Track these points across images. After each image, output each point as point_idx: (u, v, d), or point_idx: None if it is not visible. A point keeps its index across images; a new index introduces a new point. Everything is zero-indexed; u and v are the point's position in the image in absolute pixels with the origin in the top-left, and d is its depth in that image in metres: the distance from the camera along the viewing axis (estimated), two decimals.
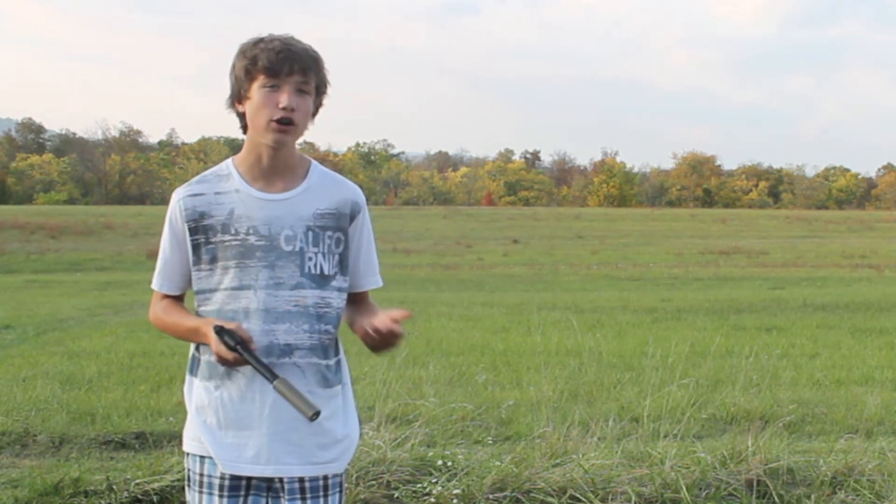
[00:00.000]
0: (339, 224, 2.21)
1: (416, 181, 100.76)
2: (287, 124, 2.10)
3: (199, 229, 2.16)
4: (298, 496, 2.19)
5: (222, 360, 2.09)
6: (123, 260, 30.32)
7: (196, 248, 2.17)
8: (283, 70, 2.07)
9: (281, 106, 2.08)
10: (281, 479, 2.19)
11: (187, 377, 2.26)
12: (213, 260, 2.16)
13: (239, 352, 2.06)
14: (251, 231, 2.14)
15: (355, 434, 2.30)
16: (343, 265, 2.23)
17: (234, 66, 2.13)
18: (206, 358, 2.19)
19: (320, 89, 2.16)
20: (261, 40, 2.11)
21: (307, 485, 2.19)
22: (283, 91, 2.08)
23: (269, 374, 2.08)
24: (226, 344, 2.05)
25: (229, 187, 2.18)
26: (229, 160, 2.24)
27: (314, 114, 2.19)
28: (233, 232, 2.15)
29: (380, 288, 2.35)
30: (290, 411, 2.15)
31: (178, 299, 2.27)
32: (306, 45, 2.13)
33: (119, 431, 5.28)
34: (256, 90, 2.09)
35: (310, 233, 2.17)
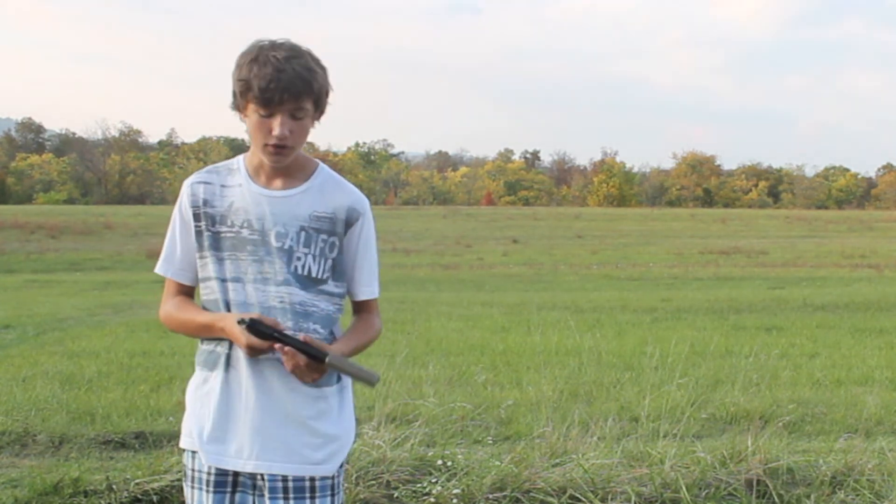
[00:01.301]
0: (333, 229, 2.20)
1: (415, 181, 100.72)
2: (281, 148, 2.11)
3: (201, 216, 2.19)
4: (281, 495, 2.17)
5: (253, 352, 2.09)
6: (123, 260, 30.31)
7: (198, 234, 2.20)
8: (274, 100, 2.04)
9: (273, 134, 2.08)
10: (262, 476, 2.18)
11: (196, 369, 2.28)
12: (210, 248, 2.19)
13: (278, 338, 2.06)
14: (245, 224, 2.17)
15: (349, 436, 2.28)
16: (337, 271, 2.22)
17: (233, 76, 2.11)
18: (208, 348, 2.21)
19: (319, 103, 2.13)
20: (255, 59, 2.05)
21: (291, 484, 2.18)
22: (275, 119, 2.07)
23: (318, 352, 2.08)
24: (261, 334, 2.05)
25: (235, 181, 2.21)
26: (241, 156, 2.26)
27: (318, 118, 2.18)
28: (229, 224, 2.18)
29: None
30: (277, 407, 2.16)
31: (190, 296, 2.27)
32: (300, 69, 2.05)
33: (119, 431, 5.28)
34: (251, 111, 2.09)
35: (302, 233, 2.17)
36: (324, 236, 2.19)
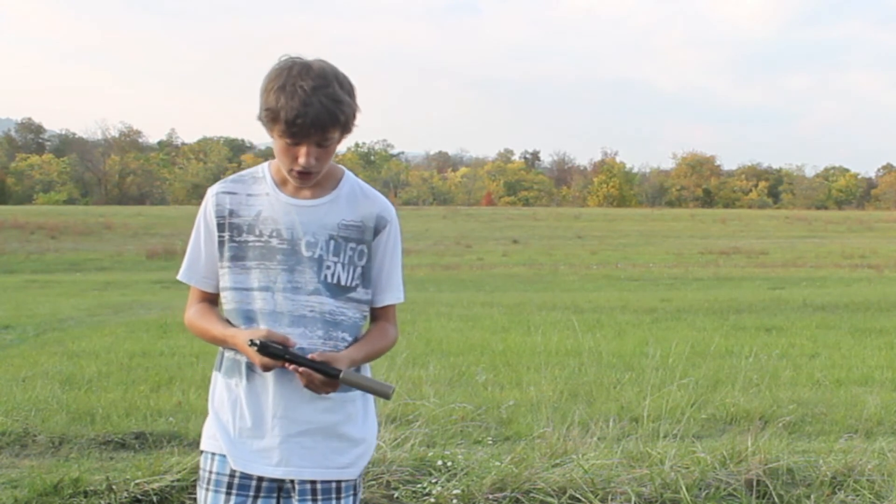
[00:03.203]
0: (362, 237, 2.21)
1: (415, 181, 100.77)
2: (307, 174, 2.12)
3: (226, 227, 2.19)
4: (309, 497, 2.20)
5: (267, 368, 2.11)
6: (123, 260, 30.25)
7: (220, 244, 2.20)
8: (301, 134, 2.04)
9: (299, 162, 2.08)
10: (292, 481, 2.20)
11: (213, 373, 2.29)
12: (235, 259, 2.18)
13: (288, 359, 2.07)
14: (274, 234, 2.17)
15: (372, 439, 2.31)
16: (366, 278, 2.23)
17: (260, 96, 2.08)
18: (229, 355, 2.22)
19: (347, 128, 2.11)
20: (283, 88, 2.02)
21: (319, 486, 2.20)
22: (301, 148, 2.07)
23: (331, 369, 2.08)
24: (273, 355, 2.06)
25: (261, 190, 2.20)
26: (266, 164, 2.25)
27: (345, 137, 2.18)
28: (257, 233, 2.18)
29: None
30: (305, 413, 2.17)
31: (213, 302, 2.27)
32: (327, 101, 2.02)
33: (119, 431, 5.28)
34: (277, 137, 2.09)
35: (332, 242, 2.18)
36: (352, 244, 2.20)
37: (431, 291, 19.05)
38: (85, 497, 4.01)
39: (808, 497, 4.10)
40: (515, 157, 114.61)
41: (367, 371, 2.29)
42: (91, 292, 18.73)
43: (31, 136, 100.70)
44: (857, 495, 4.09)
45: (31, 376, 7.15)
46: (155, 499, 3.99)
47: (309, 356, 2.10)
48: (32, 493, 4.05)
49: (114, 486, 4.04)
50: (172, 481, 4.05)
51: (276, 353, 2.06)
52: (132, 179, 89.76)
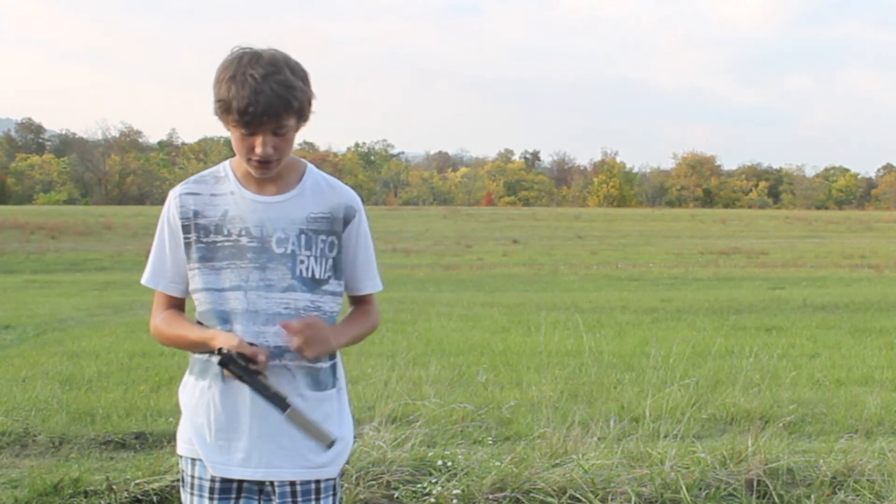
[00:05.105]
0: (332, 228, 2.20)
1: (415, 181, 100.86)
2: (266, 163, 2.10)
3: (192, 228, 2.16)
4: (290, 499, 2.19)
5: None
6: (123, 260, 30.30)
7: (187, 246, 2.17)
8: (254, 123, 2.02)
9: (256, 152, 2.07)
10: (272, 483, 2.19)
11: (185, 376, 2.27)
12: (204, 259, 2.16)
13: (246, 382, 2.07)
14: (243, 232, 2.15)
15: (349, 437, 2.29)
16: (337, 269, 2.22)
17: (213, 89, 2.07)
18: (202, 357, 2.20)
19: (302, 115, 2.09)
20: (233, 78, 2.01)
21: (298, 488, 2.19)
22: (257, 138, 2.05)
23: (281, 403, 2.08)
24: (232, 371, 2.05)
25: (225, 189, 2.18)
26: (227, 162, 2.23)
27: (302, 126, 2.16)
28: (225, 233, 2.15)
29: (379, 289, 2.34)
30: (281, 414, 2.16)
31: (180, 308, 2.25)
32: (278, 87, 2.00)
33: (119, 431, 5.28)
34: (232, 129, 2.07)
35: (302, 236, 2.16)
36: (323, 236, 2.19)
37: (431, 291, 19.05)
38: (85, 497, 4.01)
39: (808, 497, 4.10)
40: (515, 157, 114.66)
41: (341, 372, 2.28)
42: (91, 292, 18.74)
43: (31, 136, 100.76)
44: (857, 495, 4.08)
45: (31, 376, 7.15)
46: (155, 499, 3.99)
47: (298, 321, 2.09)
48: (32, 493, 4.06)
49: (114, 486, 4.04)
50: (172, 481, 4.04)
51: (234, 371, 2.05)
52: (132, 179, 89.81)
